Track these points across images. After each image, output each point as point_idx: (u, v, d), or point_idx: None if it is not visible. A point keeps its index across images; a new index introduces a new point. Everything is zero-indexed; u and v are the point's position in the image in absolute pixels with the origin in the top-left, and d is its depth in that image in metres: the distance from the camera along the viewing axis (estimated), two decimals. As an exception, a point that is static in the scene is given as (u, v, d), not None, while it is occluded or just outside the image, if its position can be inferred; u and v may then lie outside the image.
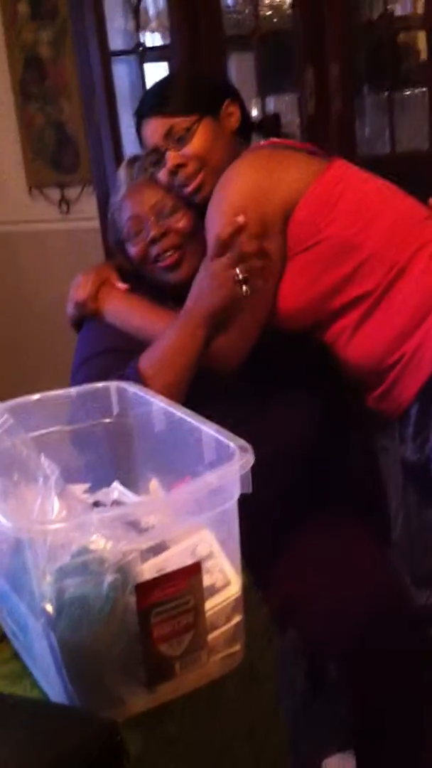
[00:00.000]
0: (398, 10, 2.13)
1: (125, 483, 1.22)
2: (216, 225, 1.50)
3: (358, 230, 1.50)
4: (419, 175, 1.95)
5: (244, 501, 0.97)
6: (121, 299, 1.64)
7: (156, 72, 2.43)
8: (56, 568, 0.90)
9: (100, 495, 1.21)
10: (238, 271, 1.45)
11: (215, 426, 1.05)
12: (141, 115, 1.62)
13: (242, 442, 0.99)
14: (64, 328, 1.81)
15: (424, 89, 2.13)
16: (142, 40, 2.39)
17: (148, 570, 0.96)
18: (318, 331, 1.58)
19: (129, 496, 1.18)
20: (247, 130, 1.67)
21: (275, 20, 2.22)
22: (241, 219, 1.45)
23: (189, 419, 1.10)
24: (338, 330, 1.54)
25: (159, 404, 1.17)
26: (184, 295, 1.54)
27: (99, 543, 0.93)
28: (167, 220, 1.61)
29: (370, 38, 2.21)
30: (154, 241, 1.61)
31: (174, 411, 1.14)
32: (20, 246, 3.20)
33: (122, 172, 1.69)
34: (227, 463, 0.96)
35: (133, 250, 1.65)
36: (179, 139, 1.55)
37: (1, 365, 3.40)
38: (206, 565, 1.00)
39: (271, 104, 2.25)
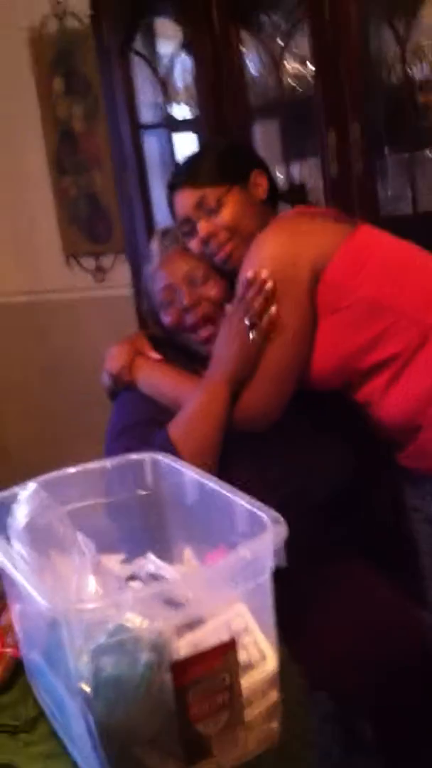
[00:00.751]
0: (417, 74, 2.16)
1: (160, 553, 1.23)
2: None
3: (387, 292, 1.52)
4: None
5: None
6: (154, 369, 1.67)
7: (185, 142, 2.49)
8: (92, 647, 0.91)
9: (135, 567, 1.22)
10: (246, 318, 1.50)
11: (247, 497, 1.06)
12: (172, 187, 1.68)
13: (275, 513, 1.00)
14: (99, 395, 1.83)
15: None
16: (171, 113, 2.46)
17: (183, 647, 0.96)
18: (349, 391, 1.59)
19: (163, 568, 1.19)
20: (274, 198, 1.71)
21: (298, 88, 2.27)
22: (248, 273, 1.51)
23: (221, 490, 1.11)
24: (369, 390, 1.55)
25: (191, 475, 1.18)
26: None
27: (135, 621, 0.93)
28: (199, 289, 1.65)
29: (389, 100, 2.25)
30: (187, 310, 1.64)
31: (206, 482, 1.14)
32: (56, 314, 3.27)
33: (155, 243, 1.74)
34: (260, 536, 0.96)
35: (167, 318, 1.68)
36: (210, 210, 1.60)
37: (36, 431, 3.45)
38: (242, 641, 1.00)
39: (296, 169, 2.29)
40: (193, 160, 1.73)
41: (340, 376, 1.56)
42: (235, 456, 1.52)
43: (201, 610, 0.97)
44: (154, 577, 1.18)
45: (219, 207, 1.60)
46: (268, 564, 0.97)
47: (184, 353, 1.71)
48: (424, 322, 1.51)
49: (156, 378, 1.66)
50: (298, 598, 1.52)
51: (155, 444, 1.48)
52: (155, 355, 1.69)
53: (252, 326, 1.50)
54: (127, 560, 1.27)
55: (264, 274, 1.49)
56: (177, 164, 1.79)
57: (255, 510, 1.02)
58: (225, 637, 0.98)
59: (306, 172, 2.30)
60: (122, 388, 1.70)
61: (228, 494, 1.09)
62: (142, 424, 1.60)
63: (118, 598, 0.91)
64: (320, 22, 2.11)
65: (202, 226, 1.61)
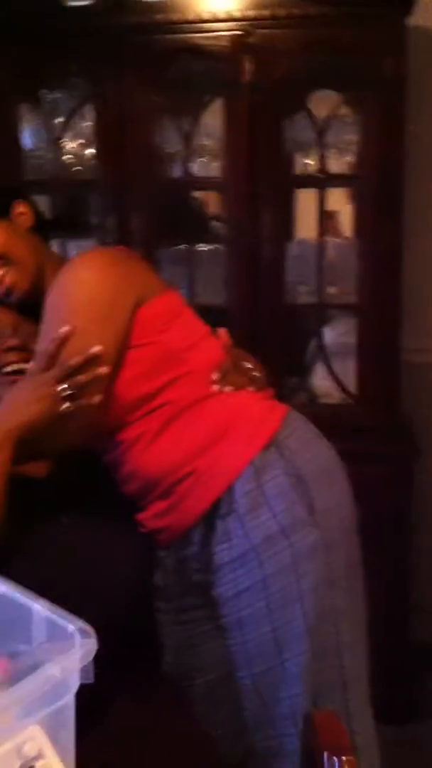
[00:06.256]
0: (196, 171, 2.24)
1: None
2: (54, 326, 1.44)
3: (186, 347, 1.52)
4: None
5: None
6: None
7: None
8: None
9: None
10: (62, 387, 1.38)
11: (48, 603, 0.96)
12: None
13: (81, 623, 0.91)
14: None
15: (218, 246, 2.23)
16: None
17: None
18: (118, 432, 1.51)
19: None
20: (42, 228, 1.66)
21: (78, 168, 2.25)
22: (65, 329, 1.40)
23: (15, 593, 1.00)
24: (139, 432, 1.50)
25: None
26: None
27: None
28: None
29: (170, 195, 2.31)
30: (11, 349, 1.55)
31: (-4, 585, 1.03)
32: None
33: None
34: (68, 652, 0.87)
35: None
36: None
37: None
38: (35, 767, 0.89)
39: (72, 249, 2.25)
40: None
41: (125, 413, 1.50)
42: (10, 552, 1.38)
43: (-7, 736, 0.85)
44: None
45: None
46: (73, 683, 0.88)
47: None
48: (209, 382, 1.52)
49: None
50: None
51: None
52: None
53: (70, 396, 1.38)
54: None
55: (97, 349, 1.39)
56: None
57: (58, 619, 0.93)
58: (16, 764, 0.87)
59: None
60: None
61: (23, 600, 0.98)
62: None
63: None
64: (105, 108, 2.13)
65: None
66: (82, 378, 1.39)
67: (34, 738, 0.91)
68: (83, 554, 1.51)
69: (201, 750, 1.48)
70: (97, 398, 1.40)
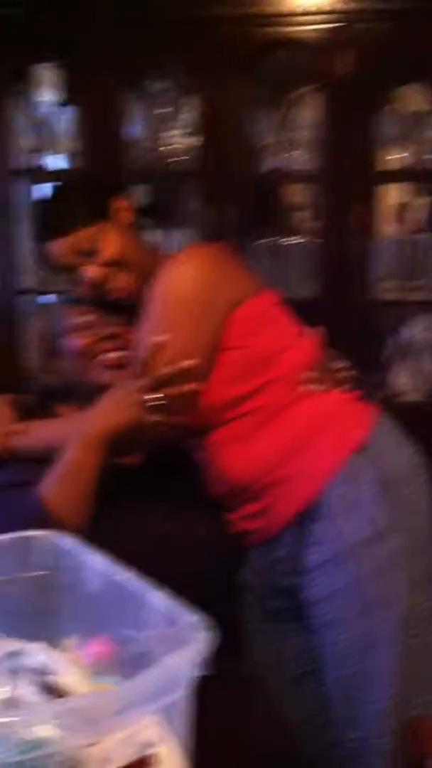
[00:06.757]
0: (287, 164, 2.25)
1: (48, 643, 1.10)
2: (151, 325, 1.47)
3: (277, 351, 1.52)
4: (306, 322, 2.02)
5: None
6: (36, 434, 1.54)
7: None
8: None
9: (19, 659, 1.09)
10: (152, 396, 1.41)
11: (163, 592, 0.98)
12: (43, 239, 1.60)
13: (200, 616, 0.92)
14: None
15: (306, 239, 2.23)
16: (44, 162, 2.36)
17: (90, 764, 0.86)
18: (207, 433, 1.53)
19: (49, 666, 1.07)
20: (140, 220, 1.68)
21: (176, 158, 2.27)
22: (160, 338, 1.42)
23: (130, 581, 1.02)
24: (229, 436, 1.51)
25: (96, 561, 1.07)
26: None
27: (41, 734, 0.82)
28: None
29: (261, 187, 2.32)
30: (109, 337, 1.59)
31: (112, 572, 1.05)
32: None
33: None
34: (189, 644, 0.89)
35: (75, 342, 1.61)
36: (88, 252, 1.53)
37: None
38: (151, 753, 0.91)
39: (168, 239, 2.27)
40: (55, 206, 1.65)
41: (217, 415, 1.51)
42: None
43: (113, 726, 0.87)
44: (37, 672, 1.06)
45: (96, 246, 1.53)
46: (193, 674, 0.89)
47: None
48: (297, 384, 1.52)
49: (43, 440, 1.52)
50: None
51: (25, 505, 1.37)
52: (18, 427, 1.57)
53: (156, 407, 1.40)
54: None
55: (188, 363, 1.41)
56: (42, 215, 1.67)
57: (177, 609, 0.95)
58: (132, 749, 0.89)
59: (174, 243, 2.28)
60: None
61: (139, 587, 1.00)
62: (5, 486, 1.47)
63: (33, 711, 0.79)
64: (202, 99, 2.14)
65: (89, 270, 1.53)
66: (170, 391, 1.41)
67: (151, 727, 0.93)
68: (172, 543, 1.54)
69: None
70: (184, 418, 1.42)
